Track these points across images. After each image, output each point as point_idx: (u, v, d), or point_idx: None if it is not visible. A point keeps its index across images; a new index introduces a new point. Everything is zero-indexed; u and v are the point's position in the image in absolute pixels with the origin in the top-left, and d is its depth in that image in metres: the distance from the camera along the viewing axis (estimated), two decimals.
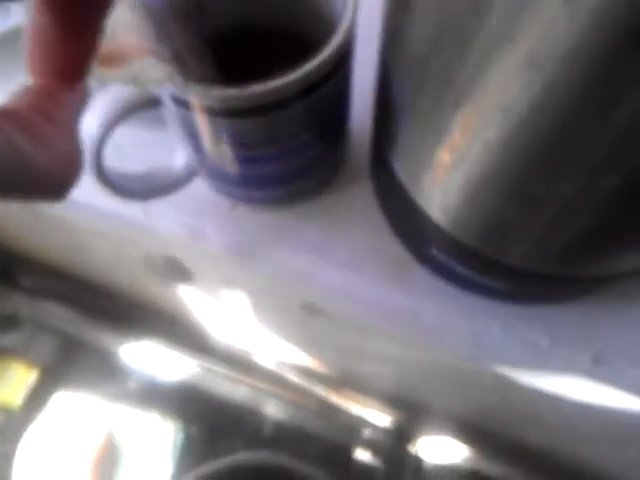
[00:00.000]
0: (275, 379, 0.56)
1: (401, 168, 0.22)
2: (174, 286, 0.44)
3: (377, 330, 0.31)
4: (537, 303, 0.25)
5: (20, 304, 0.68)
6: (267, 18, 0.26)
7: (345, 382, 0.56)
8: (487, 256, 0.22)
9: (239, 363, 0.57)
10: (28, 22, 0.13)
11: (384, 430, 0.55)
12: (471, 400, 0.38)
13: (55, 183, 0.13)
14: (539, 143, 0.16)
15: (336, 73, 0.21)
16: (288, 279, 0.27)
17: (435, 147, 0.20)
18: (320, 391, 0.56)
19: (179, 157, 0.26)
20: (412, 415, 0.53)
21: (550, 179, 0.17)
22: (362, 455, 0.55)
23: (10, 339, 0.66)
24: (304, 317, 0.32)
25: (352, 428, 0.56)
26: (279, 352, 0.51)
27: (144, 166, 0.26)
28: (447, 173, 0.20)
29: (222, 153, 0.23)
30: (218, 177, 0.26)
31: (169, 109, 0.22)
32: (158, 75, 0.18)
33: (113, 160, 0.23)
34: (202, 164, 0.25)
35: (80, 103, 0.15)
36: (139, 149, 0.29)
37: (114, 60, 0.18)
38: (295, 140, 0.23)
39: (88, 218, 0.30)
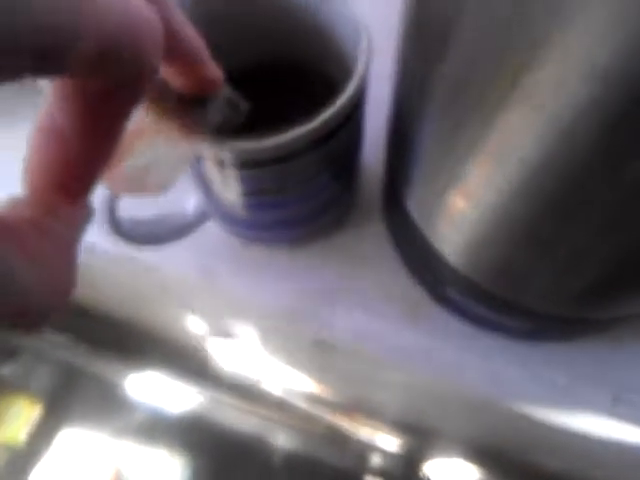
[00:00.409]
0: (283, 408, 0.55)
1: (415, 209, 0.22)
2: (180, 316, 0.44)
3: (390, 365, 0.31)
4: (554, 341, 0.25)
5: (19, 334, 0.67)
6: (275, 54, 0.26)
7: (354, 408, 0.55)
8: (503, 297, 0.22)
9: (246, 393, 0.56)
10: (38, 126, 0.12)
11: (394, 456, 0.54)
12: (483, 427, 0.38)
13: (39, 309, 0.11)
14: (553, 192, 0.16)
15: (351, 119, 0.21)
16: (301, 318, 0.27)
17: (449, 191, 0.20)
18: (329, 418, 0.56)
19: (191, 200, 0.26)
20: (422, 440, 0.53)
21: (563, 227, 0.17)
22: None
23: (9, 370, 0.65)
24: (316, 353, 0.31)
25: (362, 455, 0.55)
26: (287, 381, 0.50)
27: (156, 210, 0.26)
28: (462, 217, 0.20)
29: (234, 200, 0.23)
30: (230, 221, 0.25)
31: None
32: (173, 158, 0.16)
33: (124, 204, 0.23)
34: (214, 209, 0.25)
35: (83, 220, 0.13)
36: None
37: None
38: (308, 185, 0.23)
39: (98, 261, 0.30)
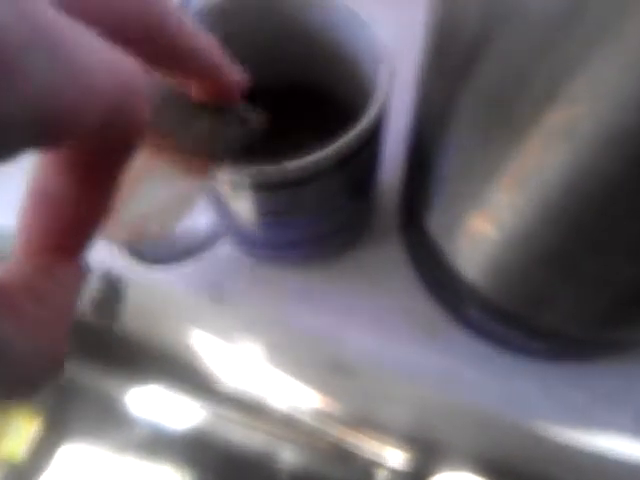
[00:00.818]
0: (290, 423, 0.55)
1: (435, 230, 0.22)
2: (185, 331, 0.43)
3: (405, 384, 0.30)
4: (574, 361, 0.25)
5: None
6: (292, 76, 0.25)
7: (362, 424, 0.55)
8: (524, 318, 0.22)
9: (252, 408, 0.56)
10: (30, 190, 0.11)
11: (402, 470, 0.54)
12: (499, 446, 0.37)
13: (29, 379, 0.10)
14: (577, 216, 0.15)
15: (370, 143, 0.20)
16: (317, 338, 0.27)
17: (472, 213, 0.19)
18: (336, 434, 0.55)
19: (203, 219, 0.26)
20: (432, 456, 0.52)
21: (586, 250, 0.17)
22: None
23: None
24: (329, 373, 0.31)
25: (369, 470, 0.55)
26: (294, 397, 0.50)
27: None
28: (484, 238, 0.20)
29: (248, 220, 0.23)
30: (244, 240, 0.25)
31: None
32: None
33: None
34: (227, 228, 0.25)
35: (80, 280, 0.12)
36: None
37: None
38: (325, 207, 0.22)
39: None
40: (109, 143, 0.11)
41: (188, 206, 0.16)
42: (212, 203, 0.24)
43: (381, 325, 0.26)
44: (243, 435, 0.56)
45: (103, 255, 0.29)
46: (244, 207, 0.22)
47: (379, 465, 0.53)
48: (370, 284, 0.26)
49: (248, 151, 0.18)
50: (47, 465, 0.58)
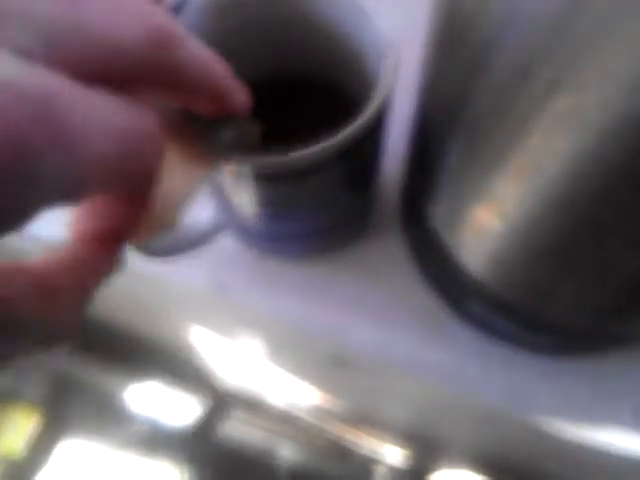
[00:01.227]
0: (289, 420, 0.55)
1: (439, 223, 0.22)
2: (184, 327, 0.43)
3: (404, 378, 0.30)
4: (576, 356, 0.25)
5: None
6: (294, 67, 0.25)
7: (362, 420, 0.55)
8: (528, 311, 0.22)
9: (251, 405, 0.56)
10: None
11: (401, 467, 0.54)
12: (499, 439, 0.38)
13: (44, 346, 0.12)
14: (583, 207, 0.15)
15: (373, 135, 0.20)
16: (318, 332, 0.27)
17: (477, 205, 0.19)
18: (335, 430, 0.55)
19: (205, 211, 0.26)
20: (430, 450, 0.52)
21: (592, 242, 0.17)
22: None
23: (5, 380, 0.64)
24: (330, 367, 0.31)
25: (368, 468, 0.55)
26: (293, 394, 0.50)
27: None
28: (489, 230, 0.19)
29: (250, 211, 0.23)
30: (245, 232, 0.25)
31: None
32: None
33: None
34: (229, 220, 0.25)
35: (110, 271, 0.14)
36: None
37: None
38: (328, 198, 0.22)
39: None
40: (134, 184, 0.12)
41: (186, 201, 0.16)
42: (214, 195, 0.23)
43: (382, 320, 0.26)
44: (242, 431, 0.56)
45: None
46: (246, 198, 0.21)
47: (378, 462, 0.53)
48: (372, 278, 0.26)
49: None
50: (46, 461, 0.58)
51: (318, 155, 0.19)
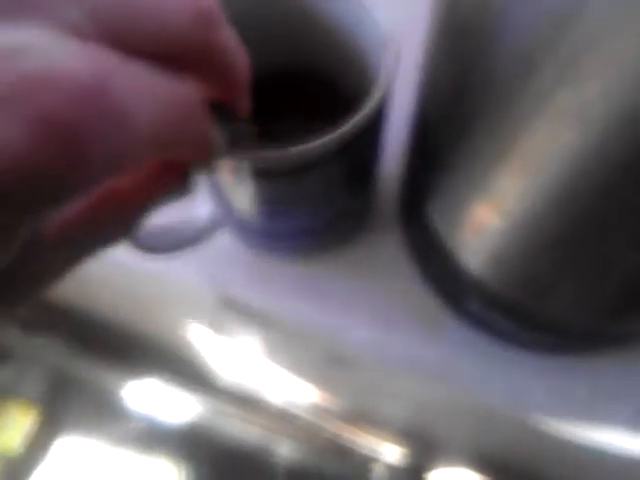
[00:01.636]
0: (286, 418, 0.54)
1: (438, 220, 0.22)
2: (182, 324, 0.43)
3: (403, 376, 0.30)
4: (575, 355, 0.25)
5: (13, 337, 0.66)
6: (294, 61, 0.25)
7: (360, 419, 0.55)
8: (527, 310, 0.22)
9: (249, 402, 0.56)
10: None
11: (399, 465, 0.54)
12: (497, 438, 0.37)
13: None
14: (584, 204, 0.15)
15: (371, 131, 0.20)
16: (316, 331, 0.27)
17: (477, 202, 0.19)
18: (333, 428, 0.55)
19: (203, 208, 0.25)
20: (428, 448, 0.52)
21: (592, 240, 0.17)
22: None
23: (1, 375, 0.64)
24: (328, 365, 0.31)
25: (366, 465, 0.55)
26: (291, 391, 0.50)
27: (167, 218, 0.25)
28: (489, 227, 0.19)
29: (248, 208, 0.22)
30: (244, 230, 0.25)
31: None
32: None
33: None
34: (227, 217, 0.24)
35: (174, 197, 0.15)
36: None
37: None
38: (326, 195, 0.22)
39: (101, 268, 0.29)
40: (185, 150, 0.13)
41: None
42: (212, 192, 0.23)
43: (381, 318, 0.26)
44: (240, 429, 0.56)
45: None
46: (245, 195, 0.21)
47: (376, 460, 0.53)
48: (370, 276, 0.26)
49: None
50: (43, 458, 0.58)
51: (317, 151, 0.18)
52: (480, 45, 0.16)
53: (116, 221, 0.14)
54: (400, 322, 0.26)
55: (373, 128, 0.20)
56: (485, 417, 0.28)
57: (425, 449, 0.50)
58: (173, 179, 0.15)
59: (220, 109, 0.14)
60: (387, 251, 0.26)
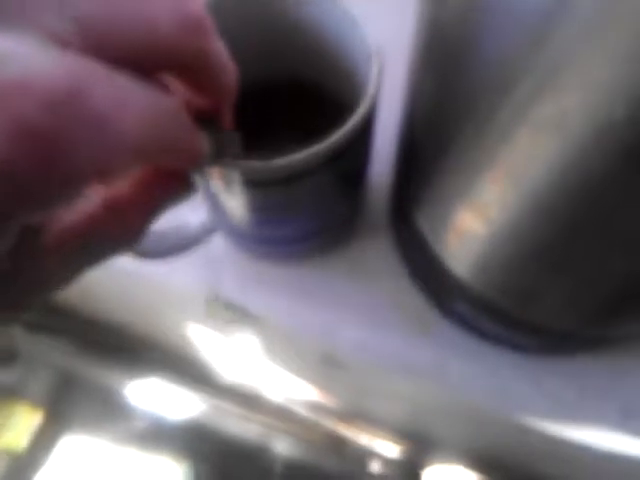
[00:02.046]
0: (285, 415, 0.55)
1: (425, 225, 0.22)
2: (182, 324, 0.44)
3: (396, 377, 0.31)
4: (562, 356, 0.25)
5: (18, 338, 0.66)
6: (283, 71, 0.25)
7: (355, 416, 0.55)
8: (513, 313, 0.22)
9: (248, 401, 0.56)
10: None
11: (395, 462, 0.54)
12: (488, 437, 0.38)
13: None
14: (564, 212, 0.16)
15: (360, 140, 0.20)
16: (309, 332, 0.27)
17: (461, 208, 0.19)
18: (330, 425, 0.56)
19: (198, 214, 0.26)
20: (423, 447, 0.53)
21: (574, 247, 0.17)
22: None
23: (8, 376, 0.64)
24: (322, 366, 0.31)
25: (362, 462, 0.55)
26: (289, 390, 0.50)
27: (160, 223, 0.26)
28: (473, 233, 0.20)
29: (241, 215, 0.23)
30: (237, 235, 0.25)
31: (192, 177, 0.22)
32: None
33: None
34: (220, 223, 0.25)
35: (177, 199, 0.16)
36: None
37: None
38: (316, 203, 0.22)
39: (101, 272, 0.30)
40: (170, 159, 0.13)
41: None
42: (205, 198, 0.24)
43: (372, 319, 0.26)
44: (239, 426, 0.57)
45: None
46: (236, 203, 0.22)
47: (372, 456, 0.54)
48: (361, 279, 0.27)
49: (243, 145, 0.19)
50: (48, 457, 0.59)
51: (304, 162, 0.19)
52: (461, 58, 0.16)
53: (119, 228, 0.14)
54: (390, 323, 0.26)
55: (360, 138, 0.20)
56: (475, 416, 0.29)
57: (420, 446, 0.50)
58: (174, 183, 0.15)
59: (206, 119, 0.14)
60: (378, 254, 0.27)
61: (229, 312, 0.28)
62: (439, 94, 0.18)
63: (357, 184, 0.24)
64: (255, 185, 0.20)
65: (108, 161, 0.10)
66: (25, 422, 0.59)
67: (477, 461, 0.42)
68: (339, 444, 0.54)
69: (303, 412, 0.54)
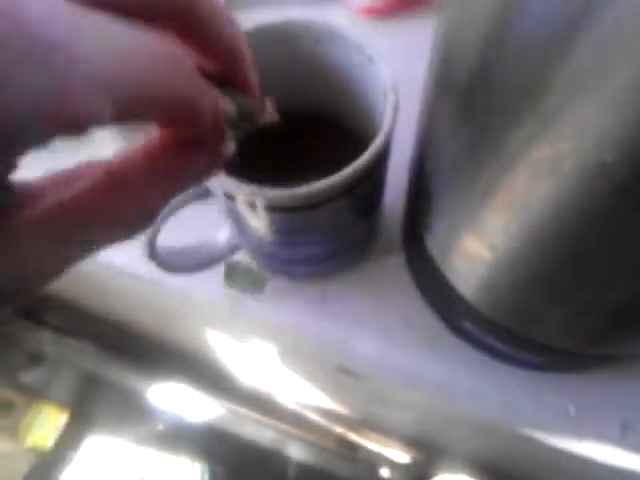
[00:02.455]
0: (299, 421, 0.57)
1: (434, 248, 0.24)
2: (203, 332, 0.46)
3: (406, 388, 0.32)
4: (565, 372, 0.26)
5: (45, 341, 0.69)
6: (307, 105, 0.27)
7: (366, 423, 0.57)
8: (518, 333, 0.23)
9: (264, 405, 0.58)
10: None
11: (403, 470, 0.55)
12: (493, 447, 0.39)
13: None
14: (561, 241, 0.17)
15: (377, 169, 0.22)
16: (325, 344, 0.29)
17: (467, 233, 0.21)
18: (342, 432, 0.57)
19: (223, 232, 0.28)
20: (431, 455, 0.54)
21: (576, 272, 0.18)
22: None
23: (35, 377, 0.67)
24: (337, 377, 0.33)
25: (373, 468, 0.56)
26: (304, 398, 0.52)
27: (190, 240, 0.27)
28: (478, 258, 0.21)
29: (263, 236, 0.25)
30: (259, 254, 0.27)
31: (219, 199, 0.23)
32: None
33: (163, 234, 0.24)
34: (244, 242, 0.27)
35: (206, 172, 0.14)
36: (184, 223, 0.30)
37: None
38: (335, 227, 0.24)
39: (128, 282, 0.32)
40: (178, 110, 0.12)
41: None
42: (230, 218, 0.26)
43: (384, 334, 0.28)
44: (255, 431, 0.59)
45: (126, 259, 0.31)
46: (260, 225, 0.23)
47: (382, 463, 0.55)
48: (375, 296, 0.28)
49: (266, 172, 0.20)
50: (73, 455, 0.61)
51: (325, 190, 0.20)
52: (468, 99, 0.18)
53: (132, 206, 0.12)
54: (401, 338, 0.28)
55: (375, 169, 0.22)
56: (481, 428, 0.30)
57: (428, 455, 0.51)
58: (199, 153, 0.13)
59: (225, 84, 0.14)
60: (391, 274, 0.28)
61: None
62: (447, 128, 0.20)
63: (372, 210, 0.26)
64: (278, 210, 0.22)
65: (63, 99, 0.09)
66: (52, 422, 0.62)
67: (483, 471, 0.43)
68: (351, 450, 0.55)
69: (317, 419, 0.55)
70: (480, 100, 0.17)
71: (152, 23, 0.11)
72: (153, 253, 0.24)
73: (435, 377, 0.27)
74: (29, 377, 0.66)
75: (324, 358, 0.31)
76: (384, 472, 0.55)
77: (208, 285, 0.30)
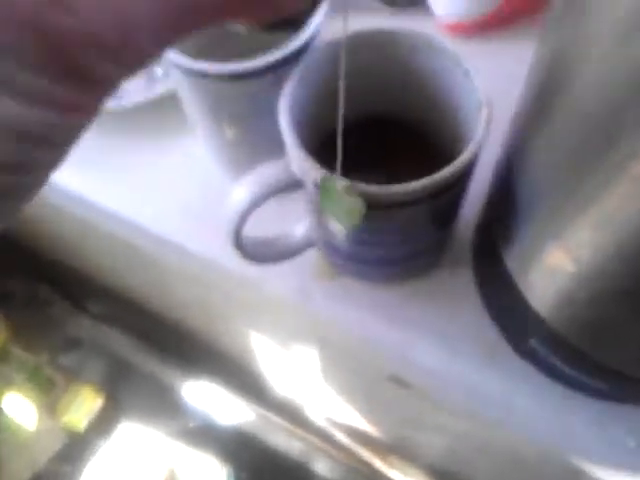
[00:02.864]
0: (327, 437, 0.56)
1: (511, 260, 0.24)
2: (246, 334, 0.47)
3: (453, 407, 0.32)
4: (629, 403, 0.26)
5: (84, 328, 0.71)
6: (393, 105, 0.28)
7: (394, 449, 0.56)
8: (589, 356, 0.23)
9: (295, 416, 0.58)
10: None
11: None
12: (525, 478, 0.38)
13: None
14: None
15: (462, 179, 0.23)
16: (381, 349, 0.29)
17: (552, 247, 0.21)
18: (368, 455, 0.56)
19: (300, 227, 0.29)
20: None
21: None
22: None
23: (72, 359, 0.69)
24: (385, 386, 0.33)
25: None
26: (336, 411, 0.52)
27: (270, 230, 0.28)
28: (561, 273, 0.21)
29: (340, 232, 0.25)
30: (333, 251, 0.28)
31: (307, 190, 0.24)
32: None
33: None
34: (320, 237, 0.28)
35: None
36: (265, 215, 0.29)
37: None
38: (412, 231, 0.25)
39: (178, 276, 0.32)
40: None
41: None
42: (309, 213, 0.27)
43: (444, 345, 0.28)
44: (283, 441, 0.59)
45: (205, 246, 0.32)
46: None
47: None
48: (438, 306, 0.29)
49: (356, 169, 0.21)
50: (105, 438, 0.62)
51: (411, 193, 0.21)
52: (565, 119, 0.18)
53: None
54: (461, 351, 0.28)
55: (461, 179, 0.23)
56: (511, 458, 0.30)
57: None
58: None
59: None
60: (457, 284, 0.29)
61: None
62: (540, 143, 0.20)
63: (450, 219, 0.26)
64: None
65: None
66: (88, 405, 0.63)
67: None
68: (375, 473, 0.54)
69: (346, 437, 0.55)
70: (577, 122, 0.18)
71: None
72: (239, 242, 0.26)
73: (492, 395, 0.27)
74: (68, 360, 0.68)
75: (378, 364, 0.32)
76: None
77: (278, 278, 0.31)
